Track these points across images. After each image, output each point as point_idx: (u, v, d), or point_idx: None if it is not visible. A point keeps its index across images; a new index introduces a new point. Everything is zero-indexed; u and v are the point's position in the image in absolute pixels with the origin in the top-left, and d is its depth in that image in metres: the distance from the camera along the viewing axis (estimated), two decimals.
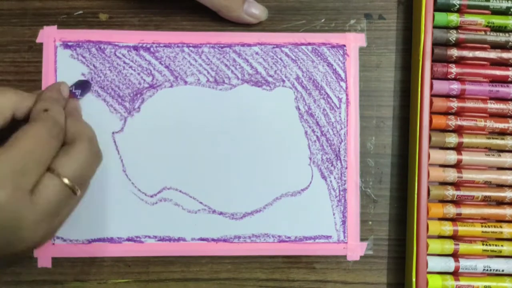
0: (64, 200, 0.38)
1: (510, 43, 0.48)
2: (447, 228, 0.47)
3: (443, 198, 0.48)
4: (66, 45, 0.49)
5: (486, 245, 0.47)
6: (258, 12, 0.48)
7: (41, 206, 0.36)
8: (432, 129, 0.48)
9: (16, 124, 0.41)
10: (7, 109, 0.41)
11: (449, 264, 0.47)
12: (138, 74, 0.49)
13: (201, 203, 0.48)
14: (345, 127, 0.49)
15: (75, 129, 0.41)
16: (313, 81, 0.50)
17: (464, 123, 0.48)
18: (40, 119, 0.39)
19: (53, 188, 0.37)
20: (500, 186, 0.48)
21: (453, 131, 0.48)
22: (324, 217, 0.49)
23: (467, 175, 0.47)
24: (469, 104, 0.48)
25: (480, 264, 0.47)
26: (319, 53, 0.50)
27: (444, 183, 0.48)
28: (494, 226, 0.47)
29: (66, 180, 0.37)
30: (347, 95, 0.50)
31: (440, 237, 0.48)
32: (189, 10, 0.50)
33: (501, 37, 0.48)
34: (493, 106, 0.48)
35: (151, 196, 0.48)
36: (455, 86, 0.48)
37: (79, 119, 0.44)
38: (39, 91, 0.45)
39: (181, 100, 0.49)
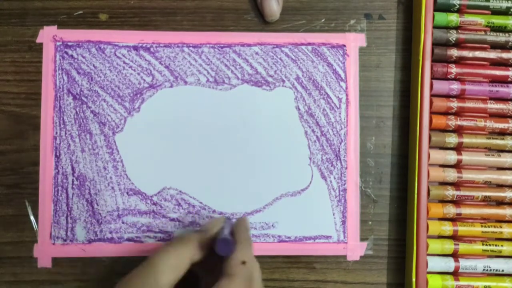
0: None
1: (510, 43, 0.48)
2: (447, 228, 0.47)
3: (443, 198, 0.48)
4: (66, 45, 0.49)
5: (486, 245, 0.47)
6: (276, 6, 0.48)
7: None
8: (432, 129, 0.48)
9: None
10: (186, 262, 0.39)
11: (449, 264, 0.47)
12: (138, 74, 0.49)
13: (201, 203, 0.48)
14: (345, 127, 0.49)
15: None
16: (313, 81, 0.50)
17: (464, 123, 0.48)
18: (238, 274, 0.38)
19: None
20: (500, 186, 0.48)
21: (453, 131, 0.48)
22: (324, 217, 0.49)
23: (467, 175, 0.47)
24: (469, 104, 0.48)
25: (480, 264, 0.47)
26: (319, 53, 0.50)
27: (444, 183, 0.48)
28: (494, 226, 0.47)
29: None
30: (347, 95, 0.50)
31: (440, 237, 0.48)
32: (189, 10, 0.50)
33: (501, 37, 0.48)
34: (493, 106, 0.48)
35: (151, 196, 0.48)
36: (455, 86, 0.48)
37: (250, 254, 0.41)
38: (218, 219, 0.43)
39: (181, 100, 0.49)
